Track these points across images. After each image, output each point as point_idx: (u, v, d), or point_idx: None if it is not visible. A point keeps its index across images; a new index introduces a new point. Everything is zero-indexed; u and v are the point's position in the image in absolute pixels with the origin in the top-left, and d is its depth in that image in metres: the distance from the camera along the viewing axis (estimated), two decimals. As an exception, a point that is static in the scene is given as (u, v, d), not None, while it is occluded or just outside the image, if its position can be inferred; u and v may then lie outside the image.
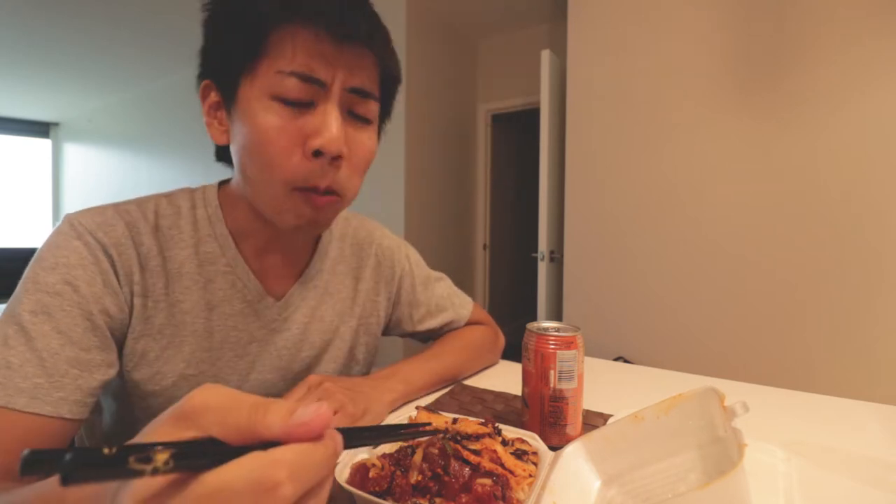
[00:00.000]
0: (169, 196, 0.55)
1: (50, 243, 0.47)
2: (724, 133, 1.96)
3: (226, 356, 0.55)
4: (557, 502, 0.35)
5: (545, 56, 2.39)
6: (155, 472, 0.16)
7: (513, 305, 4.12)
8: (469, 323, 0.81)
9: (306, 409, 0.19)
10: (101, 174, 5.53)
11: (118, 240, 0.49)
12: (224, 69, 0.48)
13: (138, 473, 0.16)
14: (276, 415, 0.19)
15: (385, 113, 0.57)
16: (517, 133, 4.12)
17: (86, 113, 5.58)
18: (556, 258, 2.55)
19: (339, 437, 0.21)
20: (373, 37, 0.47)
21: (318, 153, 0.45)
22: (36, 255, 0.47)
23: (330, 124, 0.45)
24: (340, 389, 0.52)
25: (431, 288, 0.77)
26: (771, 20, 1.85)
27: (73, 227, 0.47)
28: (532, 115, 3.12)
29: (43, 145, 6.30)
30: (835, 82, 1.73)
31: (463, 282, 3.51)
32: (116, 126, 5.24)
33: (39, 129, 6.21)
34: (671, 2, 2.06)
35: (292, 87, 0.44)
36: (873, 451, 0.48)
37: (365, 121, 0.50)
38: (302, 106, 0.45)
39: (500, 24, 3.28)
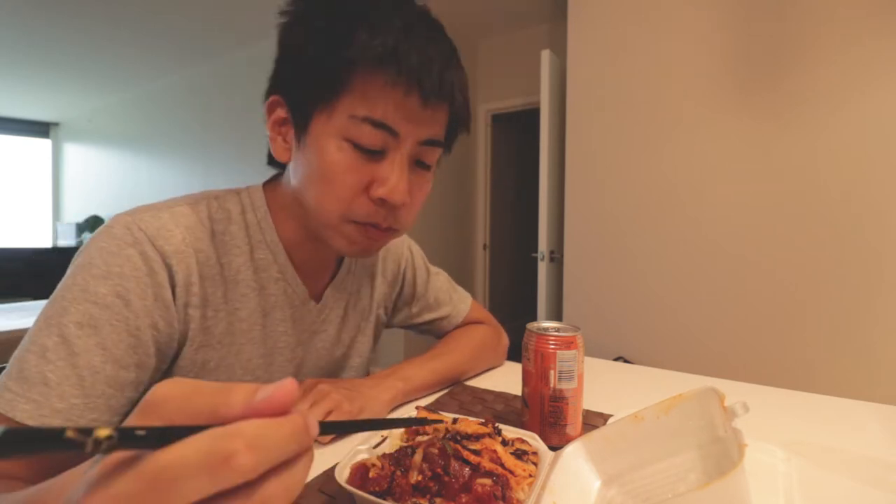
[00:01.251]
0: (218, 198, 0.54)
1: (102, 248, 0.44)
2: (724, 133, 1.96)
3: (277, 360, 0.57)
4: (557, 502, 0.35)
5: (545, 56, 2.39)
6: (97, 444, 0.15)
7: (513, 305, 4.12)
8: (469, 321, 0.81)
9: (268, 386, 0.18)
10: (101, 174, 5.53)
11: (177, 247, 0.47)
12: (300, 96, 0.47)
13: (77, 445, 0.15)
14: (238, 395, 0.18)
15: (446, 151, 0.57)
16: (517, 133, 4.12)
17: (86, 113, 5.58)
18: (556, 258, 2.55)
19: (312, 418, 0.20)
20: (455, 96, 0.48)
21: (381, 200, 0.47)
22: (84, 258, 0.44)
23: (398, 176, 0.46)
24: (336, 389, 0.53)
25: (431, 281, 0.78)
26: (771, 20, 1.84)
27: (131, 233, 0.45)
28: (532, 115, 3.11)
29: (43, 145, 6.30)
30: (835, 82, 1.73)
31: (463, 282, 3.50)
32: (116, 126, 5.24)
33: (39, 129, 6.21)
34: (671, 2, 2.06)
35: (365, 133, 0.45)
36: (873, 451, 0.48)
37: (428, 167, 0.51)
38: (373, 152, 0.46)
39: (500, 24, 3.28)
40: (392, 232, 0.51)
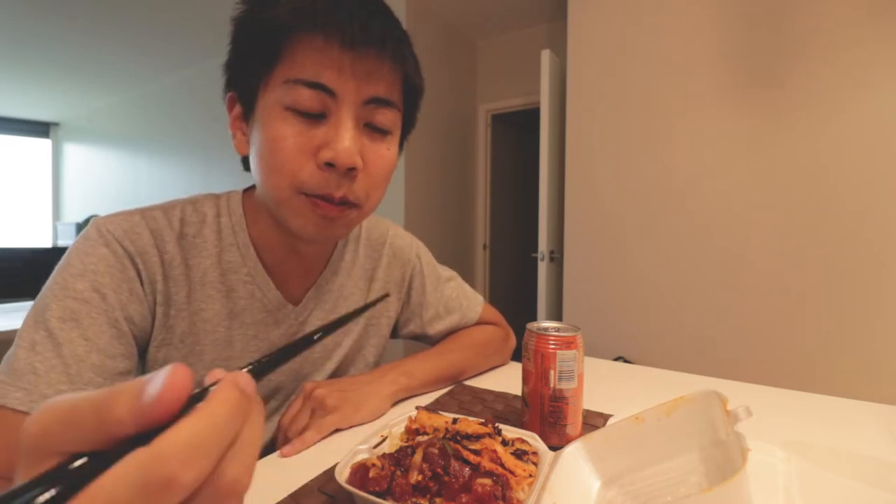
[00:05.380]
0: (194, 203, 0.55)
1: (78, 249, 0.47)
2: (724, 133, 1.96)
3: (244, 363, 0.56)
4: (557, 503, 0.35)
5: (545, 56, 2.39)
6: None
7: (513, 305, 4.11)
8: (480, 323, 0.80)
9: (153, 380, 0.16)
10: (101, 174, 5.52)
11: (143, 248, 0.49)
12: (243, 80, 0.48)
13: None
14: (122, 406, 0.15)
15: (408, 123, 0.56)
16: (517, 133, 4.11)
17: (86, 113, 5.58)
18: (556, 258, 2.55)
19: (242, 379, 0.18)
20: (386, 43, 0.46)
21: (329, 164, 0.45)
22: (64, 259, 0.47)
23: (342, 136, 0.45)
24: (331, 392, 0.53)
25: (441, 289, 0.76)
26: (772, 19, 1.84)
27: (101, 235, 0.48)
28: (532, 115, 3.11)
29: (43, 145, 6.29)
30: (836, 82, 1.73)
31: (463, 282, 3.50)
32: (116, 126, 5.23)
33: (39, 129, 6.21)
34: (671, 1, 2.06)
35: (303, 96, 0.44)
36: (873, 451, 0.48)
37: (383, 131, 0.49)
38: (315, 117, 0.45)
39: (500, 24, 3.28)
40: (351, 208, 0.49)
